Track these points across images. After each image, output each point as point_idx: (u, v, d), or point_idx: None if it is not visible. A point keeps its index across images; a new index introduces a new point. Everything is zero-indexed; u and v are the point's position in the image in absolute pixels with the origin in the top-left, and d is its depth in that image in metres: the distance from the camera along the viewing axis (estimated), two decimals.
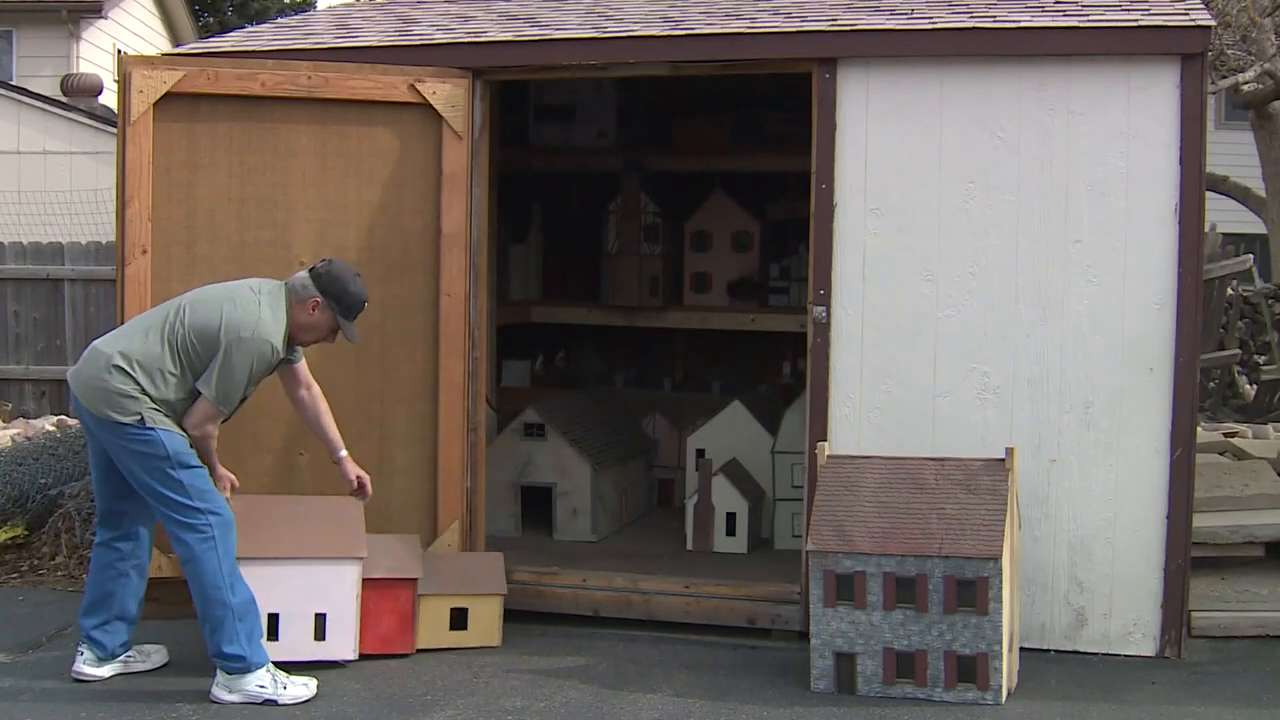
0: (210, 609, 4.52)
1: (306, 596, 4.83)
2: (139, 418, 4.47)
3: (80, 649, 4.77)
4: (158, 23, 18.59)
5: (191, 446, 4.60)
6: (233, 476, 4.85)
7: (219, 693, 4.52)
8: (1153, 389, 4.88)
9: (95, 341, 4.65)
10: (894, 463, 4.75)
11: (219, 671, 4.53)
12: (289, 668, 4.67)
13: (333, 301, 4.69)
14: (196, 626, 5.12)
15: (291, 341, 4.73)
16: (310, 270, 4.73)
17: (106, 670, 4.76)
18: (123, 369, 4.48)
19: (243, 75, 5.23)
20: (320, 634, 4.86)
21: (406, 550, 5.07)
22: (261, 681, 4.50)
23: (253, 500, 4.98)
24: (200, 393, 4.54)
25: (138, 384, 4.48)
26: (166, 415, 4.54)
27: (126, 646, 4.82)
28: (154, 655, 4.90)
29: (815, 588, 4.59)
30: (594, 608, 5.39)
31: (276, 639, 4.79)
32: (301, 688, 4.55)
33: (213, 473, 4.70)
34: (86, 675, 4.73)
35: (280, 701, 4.49)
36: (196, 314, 4.57)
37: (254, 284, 4.71)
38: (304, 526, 4.90)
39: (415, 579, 5.02)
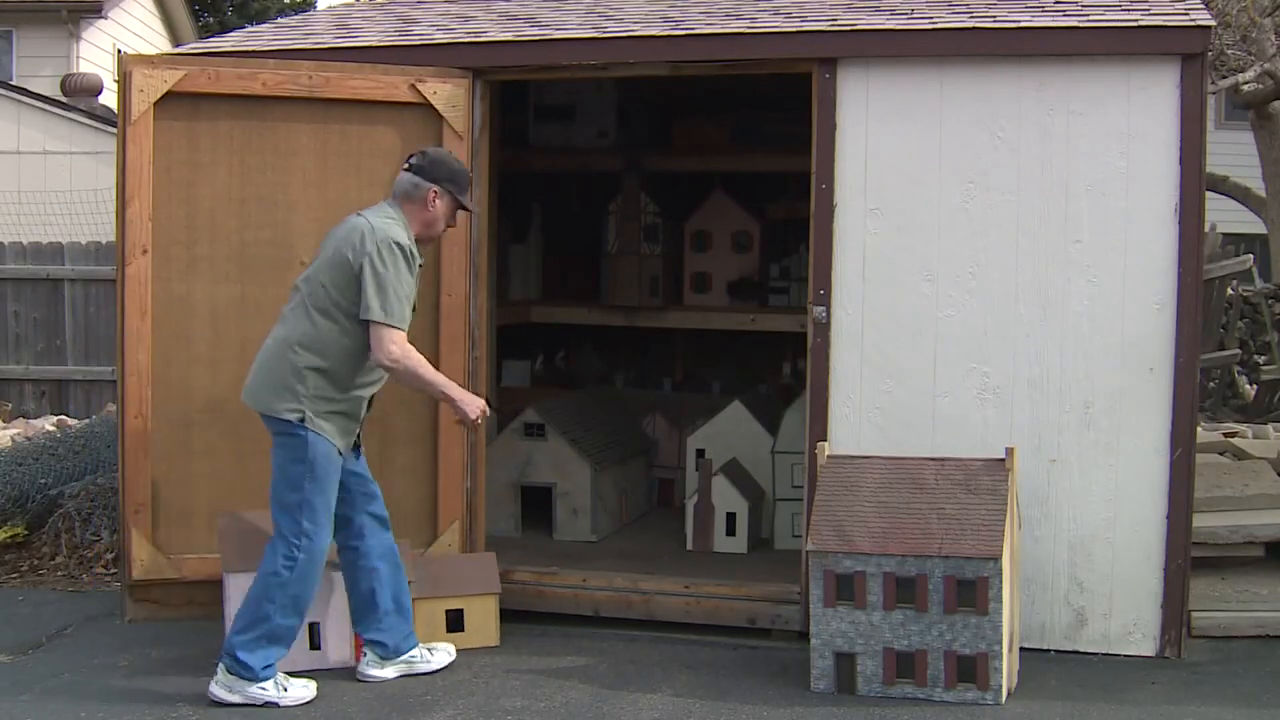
0: (253, 612, 4.47)
1: None
2: (301, 416, 4.43)
3: (364, 651, 4.73)
4: (158, 23, 18.60)
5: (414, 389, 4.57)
6: (482, 404, 4.64)
7: (219, 691, 4.47)
8: (1153, 389, 4.88)
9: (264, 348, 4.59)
10: (894, 463, 4.75)
11: (220, 670, 4.49)
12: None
13: (448, 184, 4.64)
14: (196, 628, 5.15)
15: (420, 244, 4.63)
16: (408, 168, 4.63)
17: (390, 671, 4.70)
18: (296, 360, 4.45)
19: (244, 75, 5.23)
20: (315, 643, 4.85)
21: None
22: (264, 685, 4.48)
23: (240, 513, 4.98)
24: (367, 327, 4.42)
25: (313, 368, 4.44)
26: (329, 418, 4.47)
27: (411, 642, 4.76)
28: (439, 654, 4.82)
29: (815, 588, 4.59)
30: (594, 608, 5.39)
31: None
32: (302, 689, 4.54)
33: (453, 399, 4.55)
34: (370, 676, 4.69)
35: (281, 704, 4.47)
36: (322, 267, 4.51)
37: (357, 215, 4.61)
38: None
39: (408, 582, 5.01)
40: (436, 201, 4.63)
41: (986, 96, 4.97)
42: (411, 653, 4.77)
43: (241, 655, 4.45)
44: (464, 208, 4.75)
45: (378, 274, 4.40)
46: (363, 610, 4.74)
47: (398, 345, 4.43)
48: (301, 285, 4.57)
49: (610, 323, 7.37)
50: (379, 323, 4.40)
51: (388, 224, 4.52)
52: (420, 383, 4.55)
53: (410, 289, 4.51)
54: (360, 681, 4.70)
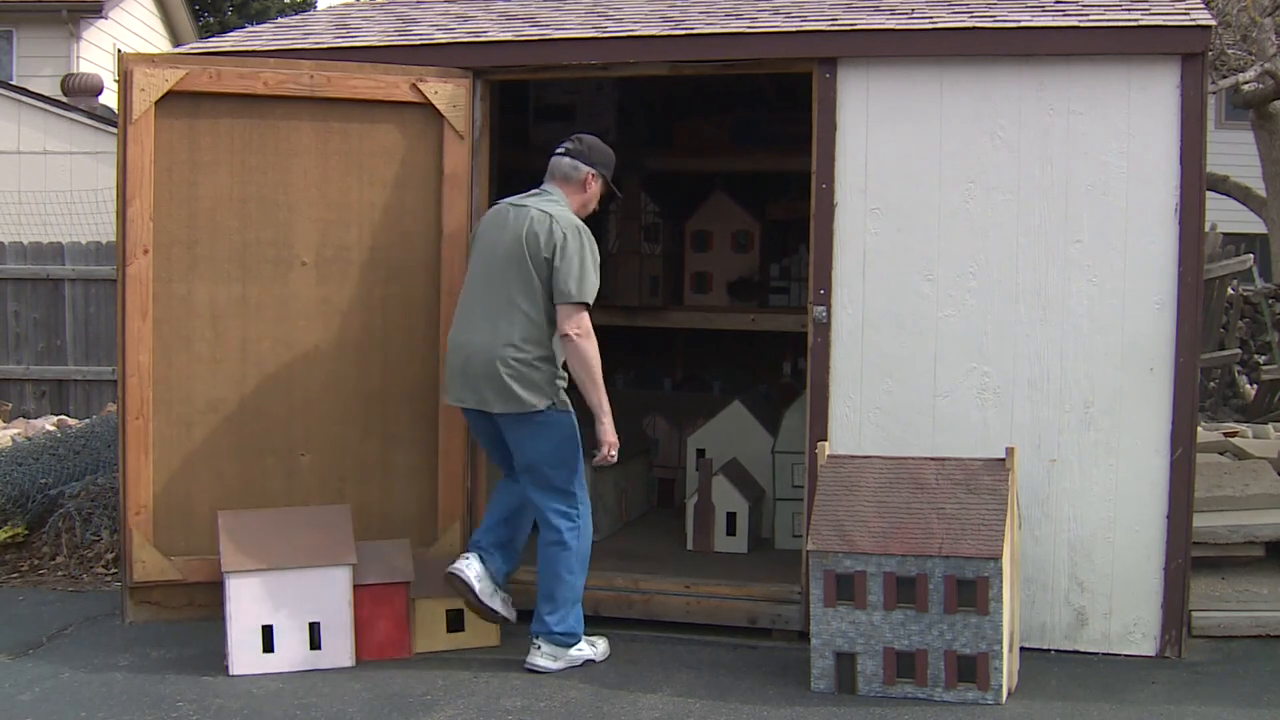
0: (557, 590, 4.79)
1: (299, 606, 4.83)
2: (551, 402, 4.73)
3: (466, 555, 4.92)
4: (158, 23, 18.61)
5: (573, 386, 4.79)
6: (614, 440, 4.82)
7: (544, 662, 4.78)
8: (1153, 389, 4.88)
9: (465, 347, 4.75)
10: (894, 462, 4.75)
11: (541, 644, 4.80)
12: (285, 679, 4.71)
13: (603, 168, 4.95)
14: (197, 628, 5.15)
15: None
16: (567, 153, 4.93)
17: (488, 590, 4.88)
18: (524, 356, 4.69)
19: (245, 74, 5.23)
20: (315, 643, 4.85)
21: (398, 554, 5.07)
22: (580, 647, 4.86)
23: (241, 513, 4.99)
24: (558, 306, 4.69)
25: (540, 357, 4.71)
26: (563, 391, 4.79)
27: (505, 578, 4.97)
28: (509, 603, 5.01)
29: (815, 588, 4.59)
30: (594, 607, 5.38)
31: (272, 650, 4.80)
32: (603, 641, 4.99)
33: (601, 418, 4.74)
34: (461, 572, 4.84)
35: (595, 659, 4.89)
36: (514, 262, 4.71)
37: (517, 205, 4.85)
38: (293, 536, 4.90)
39: (408, 582, 5.02)
40: (593, 184, 4.94)
41: (986, 96, 4.97)
42: (506, 592, 4.97)
43: (560, 629, 4.79)
44: (614, 192, 5.08)
45: (571, 258, 4.69)
46: (497, 527, 4.97)
47: (586, 321, 4.73)
48: (496, 288, 4.74)
49: (610, 323, 7.35)
50: (573, 303, 4.68)
51: (563, 210, 4.81)
52: (589, 374, 4.72)
53: (598, 267, 4.80)
54: (458, 577, 4.85)
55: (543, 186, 4.94)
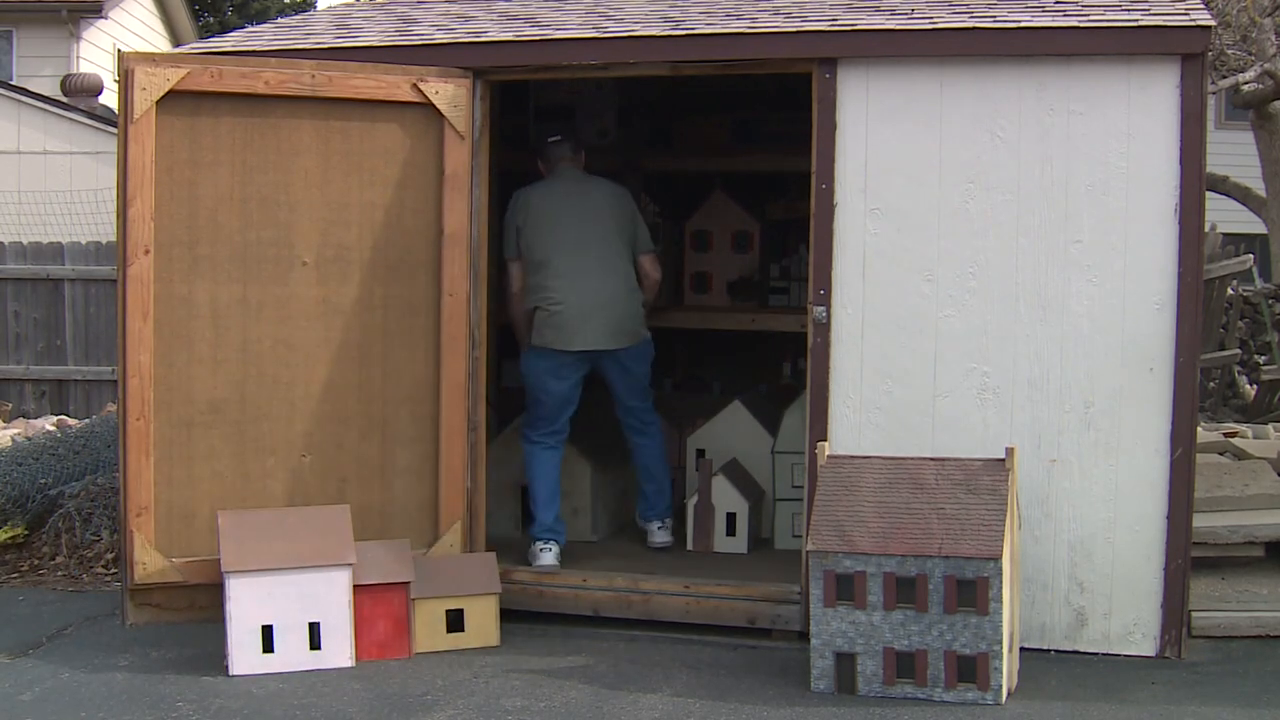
0: (665, 470, 6.03)
1: (299, 606, 4.83)
2: (649, 331, 5.82)
3: (541, 547, 5.63)
4: (158, 23, 18.61)
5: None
6: None
7: (668, 537, 6.02)
8: (1153, 389, 4.88)
9: (586, 298, 5.59)
10: (894, 463, 4.75)
11: (663, 522, 6.03)
12: (285, 679, 4.71)
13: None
14: (197, 630, 5.19)
15: None
16: (564, 139, 5.87)
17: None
18: (634, 297, 5.73)
19: (246, 74, 5.23)
20: (315, 643, 4.85)
21: (397, 554, 5.07)
22: None
23: (241, 513, 4.98)
24: (643, 256, 5.86)
25: (641, 299, 5.79)
26: None
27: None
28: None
29: (815, 588, 4.59)
30: (594, 607, 5.39)
31: (272, 650, 4.80)
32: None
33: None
34: (552, 567, 5.58)
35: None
36: (610, 223, 5.71)
37: (573, 179, 5.80)
38: (292, 536, 4.89)
39: (408, 582, 5.02)
40: (582, 159, 5.95)
41: (986, 96, 4.98)
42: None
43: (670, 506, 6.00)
44: None
45: (641, 217, 5.87)
46: (553, 499, 5.78)
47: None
48: (596, 246, 5.65)
49: None
50: (654, 251, 5.92)
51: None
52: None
53: None
54: (544, 570, 5.56)
55: (562, 168, 5.82)
